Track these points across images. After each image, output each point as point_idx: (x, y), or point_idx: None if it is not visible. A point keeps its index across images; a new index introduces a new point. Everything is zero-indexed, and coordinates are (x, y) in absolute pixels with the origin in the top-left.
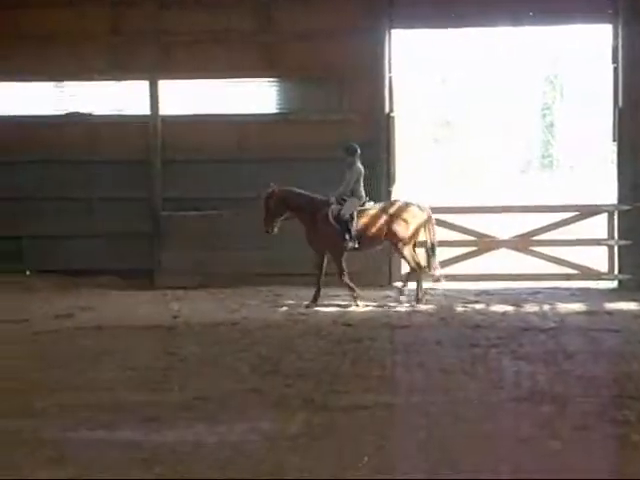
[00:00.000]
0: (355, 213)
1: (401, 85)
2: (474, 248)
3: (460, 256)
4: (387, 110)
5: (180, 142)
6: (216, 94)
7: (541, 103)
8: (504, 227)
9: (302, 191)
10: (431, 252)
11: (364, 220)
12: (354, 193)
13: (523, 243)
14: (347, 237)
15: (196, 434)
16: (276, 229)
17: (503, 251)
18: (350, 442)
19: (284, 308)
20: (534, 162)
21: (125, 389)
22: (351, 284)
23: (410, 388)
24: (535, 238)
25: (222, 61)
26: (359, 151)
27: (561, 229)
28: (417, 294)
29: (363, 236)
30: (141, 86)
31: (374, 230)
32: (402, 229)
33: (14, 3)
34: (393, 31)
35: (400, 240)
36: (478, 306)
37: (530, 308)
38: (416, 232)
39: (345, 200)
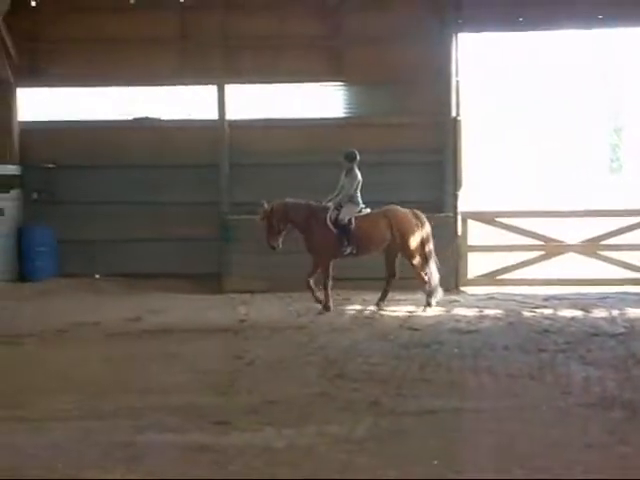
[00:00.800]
0: (353, 219)
1: (468, 89)
2: (541, 253)
3: (527, 261)
4: (454, 114)
5: (247, 146)
6: (283, 98)
7: (609, 107)
8: (572, 231)
9: (299, 200)
10: (427, 261)
11: (362, 226)
12: (352, 199)
13: (591, 247)
14: (345, 242)
15: (265, 437)
16: (281, 244)
17: (571, 255)
18: (417, 446)
19: (351, 312)
20: (602, 166)
21: (194, 392)
22: (320, 294)
23: (478, 393)
24: (603, 243)
25: (289, 65)
26: (358, 157)
27: (629, 233)
28: (382, 298)
29: (361, 242)
30: (209, 91)
31: (372, 236)
32: (406, 238)
33: (84, 8)
34: (460, 35)
35: (405, 249)
36: (546, 311)
37: (599, 313)
38: (415, 240)
39: (342, 206)
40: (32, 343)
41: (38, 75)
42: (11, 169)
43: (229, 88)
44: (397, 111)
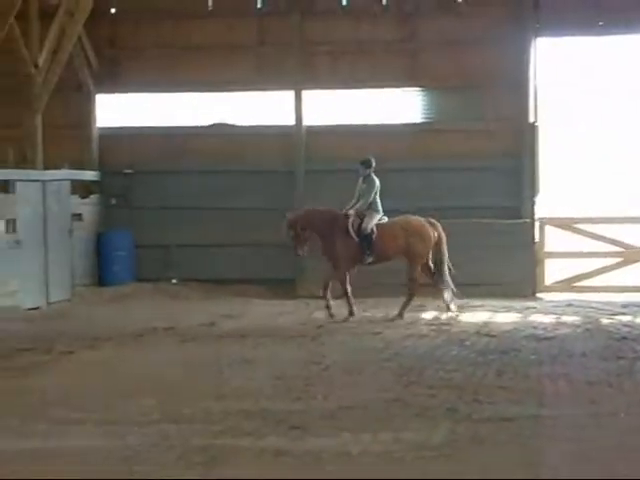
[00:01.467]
0: (374, 228)
1: (546, 94)
2: (620, 259)
3: (605, 267)
4: (531, 119)
5: (323, 152)
6: (360, 104)
7: None
8: None
9: (320, 207)
10: (440, 268)
11: (382, 235)
12: (372, 206)
13: None
14: (367, 251)
15: (341, 443)
16: (307, 251)
17: None
18: (494, 453)
19: (426, 318)
20: None
21: (270, 397)
22: (333, 302)
23: (555, 400)
24: None
25: (366, 71)
26: (374, 164)
27: None
28: (403, 308)
29: (381, 251)
30: (286, 96)
31: (391, 245)
32: (421, 247)
33: (163, 14)
34: (539, 39)
35: (418, 257)
36: (624, 318)
37: None
38: (430, 249)
39: (364, 215)
40: (110, 347)
41: (117, 81)
42: (90, 175)
43: (306, 94)
44: (474, 116)
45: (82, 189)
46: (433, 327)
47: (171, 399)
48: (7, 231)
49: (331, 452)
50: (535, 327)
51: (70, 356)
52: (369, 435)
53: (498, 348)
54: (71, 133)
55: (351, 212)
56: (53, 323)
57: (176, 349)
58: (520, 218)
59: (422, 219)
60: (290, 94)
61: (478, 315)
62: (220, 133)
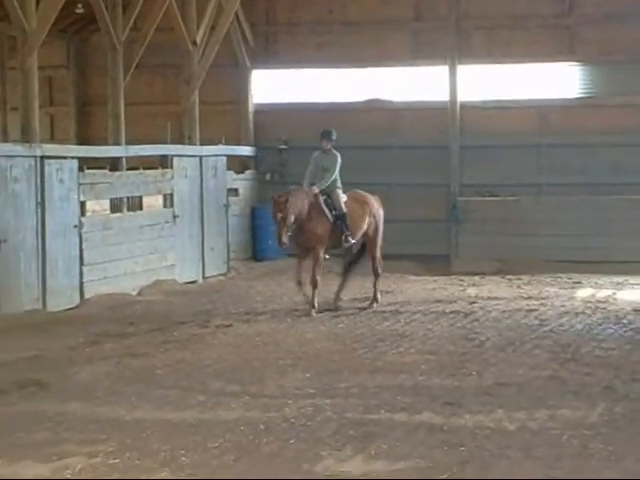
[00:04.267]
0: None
1: None
2: None
3: None
4: None
5: (478, 127)
6: (515, 79)
7: None
8: None
9: (296, 187)
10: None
11: (350, 213)
12: (335, 183)
13: None
14: (347, 232)
15: (495, 419)
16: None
17: None
18: None
19: (582, 295)
20: None
21: (424, 373)
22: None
23: None
24: None
25: (522, 46)
26: (335, 136)
27: None
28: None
29: (354, 231)
30: (440, 71)
31: (360, 223)
32: (381, 224)
33: None
34: None
35: (380, 234)
36: None
37: None
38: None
39: (328, 192)
40: (265, 321)
41: (272, 57)
42: (246, 150)
43: (461, 69)
44: (635, 90)
45: (238, 164)
46: (589, 304)
47: (326, 373)
48: (164, 206)
49: (486, 428)
50: None
51: (226, 329)
52: (524, 412)
53: None
54: (227, 109)
55: (315, 189)
56: (209, 297)
57: (329, 323)
58: None
59: (365, 192)
60: (444, 69)
61: (636, 292)
62: (375, 108)
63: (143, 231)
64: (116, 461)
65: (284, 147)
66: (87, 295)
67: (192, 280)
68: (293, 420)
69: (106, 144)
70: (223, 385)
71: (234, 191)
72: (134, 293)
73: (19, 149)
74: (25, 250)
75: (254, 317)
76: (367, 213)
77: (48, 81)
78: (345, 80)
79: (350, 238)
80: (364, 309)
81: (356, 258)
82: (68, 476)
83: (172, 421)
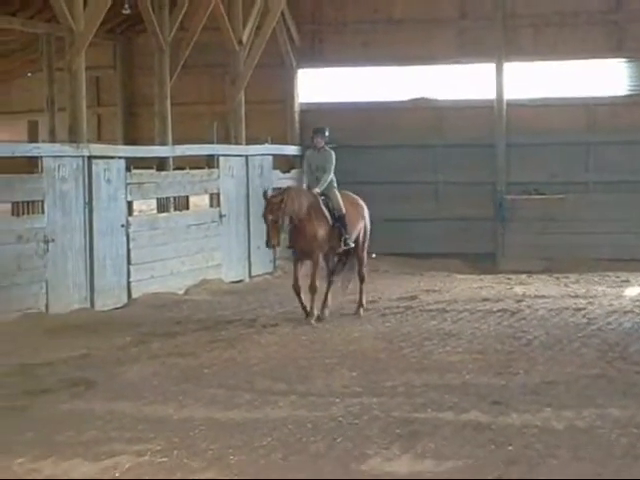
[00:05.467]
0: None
1: None
2: None
3: None
4: None
5: (525, 125)
6: (563, 76)
7: None
8: None
9: (298, 186)
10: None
11: (348, 215)
12: (331, 183)
13: None
14: (346, 235)
15: (543, 418)
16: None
17: None
18: None
19: (631, 294)
20: None
21: (471, 371)
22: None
23: None
24: None
25: (569, 43)
26: (328, 134)
27: None
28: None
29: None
30: (486, 69)
31: (356, 226)
32: (369, 227)
33: None
34: None
35: (368, 238)
36: None
37: None
38: None
39: (325, 192)
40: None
41: (318, 56)
42: (292, 149)
43: (507, 66)
44: None
45: (284, 164)
46: (637, 303)
47: (372, 372)
48: (211, 205)
49: (533, 427)
50: None
51: (273, 329)
52: (572, 411)
53: None
54: (273, 108)
55: (317, 191)
56: (256, 296)
57: (376, 322)
58: None
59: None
60: (491, 67)
61: None
62: (420, 107)
63: (190, 231)
64: (164, 460)
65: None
66: (134, 295)
67: (238, 279)
68: (340, 419)
69: (153, 144)
70: (270, 384)
71: None
72: (181, 292)
73: (67, 149)
74: (73, 250)
75: (300, 316)
76: (360, 215)
77: (95, 82)
78: (391, 79)
79: (349, 241)
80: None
81: (340, 264)
82: (117, 475)
83: (219, 420)
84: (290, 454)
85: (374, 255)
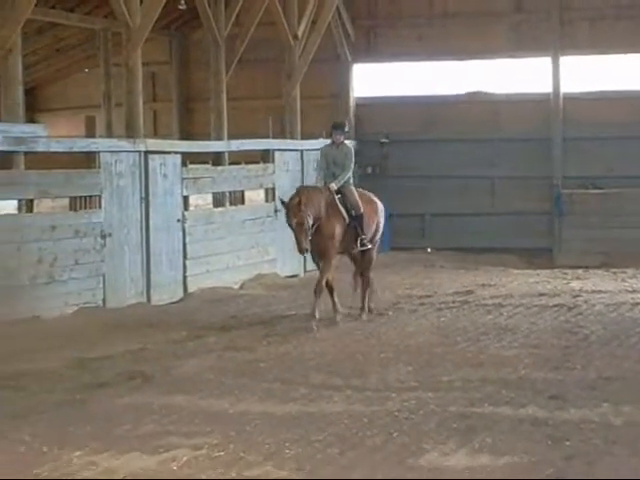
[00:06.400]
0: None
1: None
2: None
3: None
4: None
5: (581, 119)
6: (620, 69)
7: None
8: None
9: (310, 185)
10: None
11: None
12: (349, 179)
13: None
14: (363, 235)
15: (601, 414)
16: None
17: None
18: None
19: None
20: None
21: (528, 366)
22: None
23: None
24: None
25: (626, 36)
26: (348, 128)
27: None
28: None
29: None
30: (542, 63)
31: (372, 226)
32: (381, 225)
33: None
34: None
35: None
36: None
37: None
38: None
39: (342, 190)
40: (366, 315)
41: (373, 51)
42: None
43: (564, 60)
44: None
45: None
46: None
47: (428, 366)
48: (266, 200)
49: (591, 423)
50: None
51: (328, 323)
52: (630, 407)
53: None
54: (328, 103)
55: (333, 186)
56: (310, 291)
57: (432, 317)
58: None
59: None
60: (547, 60)
61: None
62: (476, 101)
63: (245, 225)
64: (220, 453)
65: (385, 140)
66: (190, 289)
67: (293, 274)
68: (396, 413)
69: (208, 139)
70: (325, 378)
71: None
72: (236, 287)
73: (124, 144)
74: (130, 244)
75: (355, 310)
76: (375, 214)
77: (151, 77)
78: (446, 73)
79: (366, 241)
80: (383, 314)
81: (361, 265)
82: (174, 468)
83: (275, 414)
84: (347, 449)
85: (429, 250)
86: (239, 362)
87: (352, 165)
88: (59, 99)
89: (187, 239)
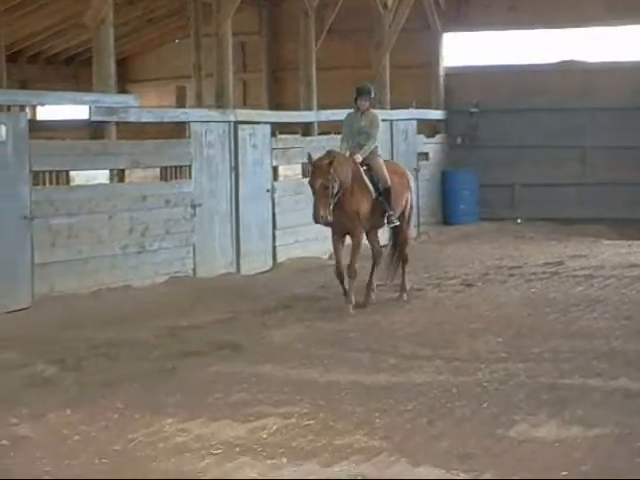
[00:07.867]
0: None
1: None
2: None
3: None
4: None
5: None
6: None
7: None
8: None
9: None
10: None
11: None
12: (375, 150)
13: None
14: (390, 211)
15: None
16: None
17: None
18: None
19: None
20: None
21: (619, 338)
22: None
23: None
24: None
25: None
26: (374, 94)
27: None
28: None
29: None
30: (636, 31)
31: (400, 201)
32: (410, 197)
33: None
34: None
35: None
36: None
37: None
38: None
39: (368, 161)
40: (456, 286)
41: (463, 20)
42: (436, 114)
43: None
44: None
45: (428, 128)
46: None
47: (518, 337)
48: None
49: None
50: None
51: (417, 293)
52: None
53: None
54: (418, 73)
55: (359, 158)
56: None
57: (521, 288)
58: None
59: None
60: None
61: None
62: (569, 70)
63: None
64: (310, 422)
65: (475, 110)
66: (279, 259)
67: (383, 244)
68: (486, 384)
69: (298, 109)
70: (414, 348)
71: (424, 155)
72: (325, 257)
73: (214, 115)
74: (219, 214)
75: (445, 281)
76: (406, 187)
77: (241, 47)
78: (538, 42)
79: (394, 218)
80: (472, 285)
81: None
82: (265, 436)
83: (365, 383)
84: (436, 418)
85: (519, 220)
86: (328, 332)
87: (378, 134)
88: (150, 70)
89: (276, 209)
